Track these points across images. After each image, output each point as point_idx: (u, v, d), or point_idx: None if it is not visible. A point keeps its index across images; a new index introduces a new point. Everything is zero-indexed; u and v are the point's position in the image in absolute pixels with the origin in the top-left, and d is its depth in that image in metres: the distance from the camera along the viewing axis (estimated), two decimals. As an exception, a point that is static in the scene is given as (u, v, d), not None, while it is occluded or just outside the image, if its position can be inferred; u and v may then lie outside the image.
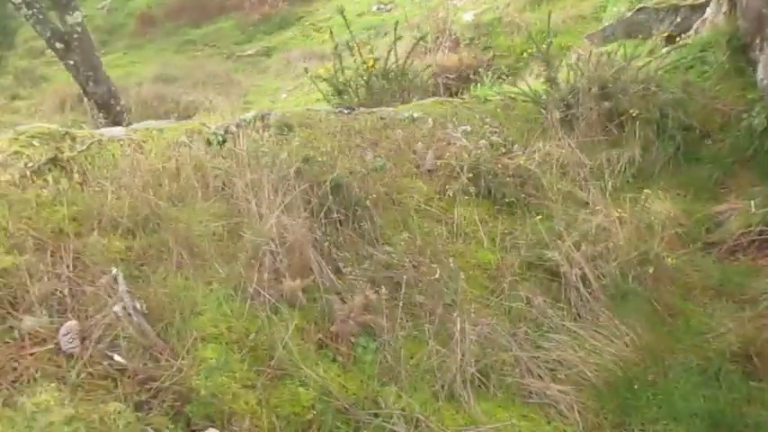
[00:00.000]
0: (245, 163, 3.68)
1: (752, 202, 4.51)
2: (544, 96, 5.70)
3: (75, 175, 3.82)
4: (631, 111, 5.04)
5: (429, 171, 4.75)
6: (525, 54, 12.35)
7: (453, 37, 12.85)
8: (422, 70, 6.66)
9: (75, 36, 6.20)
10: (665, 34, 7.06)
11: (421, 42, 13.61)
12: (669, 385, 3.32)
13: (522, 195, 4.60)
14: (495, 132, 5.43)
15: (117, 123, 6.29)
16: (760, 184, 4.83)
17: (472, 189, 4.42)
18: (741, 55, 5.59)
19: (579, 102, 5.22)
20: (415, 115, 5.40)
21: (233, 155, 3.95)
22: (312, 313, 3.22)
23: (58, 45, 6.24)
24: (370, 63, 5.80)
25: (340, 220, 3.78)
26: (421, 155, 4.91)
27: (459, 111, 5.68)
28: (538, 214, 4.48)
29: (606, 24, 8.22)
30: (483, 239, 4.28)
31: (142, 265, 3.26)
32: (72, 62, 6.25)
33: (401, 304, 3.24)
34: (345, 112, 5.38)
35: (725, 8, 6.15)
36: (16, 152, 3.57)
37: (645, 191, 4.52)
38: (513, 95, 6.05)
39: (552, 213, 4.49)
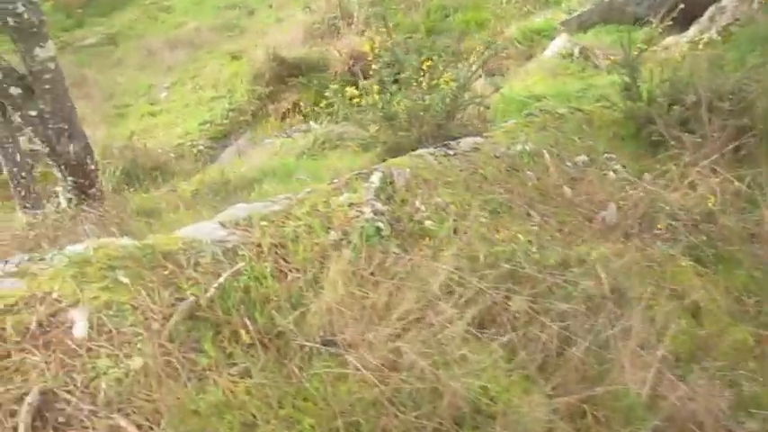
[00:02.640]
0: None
1: None
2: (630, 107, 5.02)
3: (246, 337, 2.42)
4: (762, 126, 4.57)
5: (609, 227, 3.86)
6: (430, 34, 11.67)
7: (356, 17, 11.65)
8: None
9: (47, 76, 3.91)
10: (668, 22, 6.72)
11: (315, 25, 12.19)
12: None
13: (717, 243, 3.92)
14: (612, 160, 4.67)
15: (88, 188, 4.34)
16: None
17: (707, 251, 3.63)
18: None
19: (698, 117, 4.61)
20: (527, 148, 4.42)
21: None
22: None
23: (14, 91, 3.86)
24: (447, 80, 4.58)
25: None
26: (580, 203, 4.00)
27: (550, 135, 4.79)
28: (740, 268, 3.86)
29: (582, 10, 7.73)
30: (717, 311, 3.54)
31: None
32: (35, 113, 3.92)
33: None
34: (450, 153, 4.25)
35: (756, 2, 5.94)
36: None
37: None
38: (580, 108, 5.28)
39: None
